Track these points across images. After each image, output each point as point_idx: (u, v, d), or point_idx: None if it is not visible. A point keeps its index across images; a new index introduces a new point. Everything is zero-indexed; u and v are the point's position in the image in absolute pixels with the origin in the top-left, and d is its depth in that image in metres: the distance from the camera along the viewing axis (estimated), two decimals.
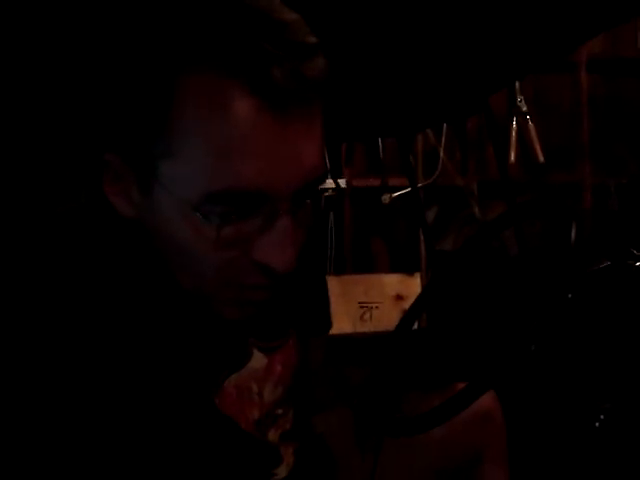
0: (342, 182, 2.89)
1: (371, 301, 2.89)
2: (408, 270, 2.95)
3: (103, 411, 0.69)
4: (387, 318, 2.89)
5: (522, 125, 2.99)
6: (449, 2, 1.06)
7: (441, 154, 2.97)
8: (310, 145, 0.68)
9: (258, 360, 0.88)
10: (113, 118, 0.70)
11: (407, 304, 2.94)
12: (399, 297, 2.92)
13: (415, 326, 1.22)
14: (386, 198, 2.97)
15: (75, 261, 0.72)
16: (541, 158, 3.01)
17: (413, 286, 2.94)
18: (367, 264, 3.09)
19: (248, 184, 0.66)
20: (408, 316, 1.18)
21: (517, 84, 2.94)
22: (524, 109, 2.98)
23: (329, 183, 2.67)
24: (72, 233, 0.74)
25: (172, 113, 0.65)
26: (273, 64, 0.64)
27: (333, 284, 2.86)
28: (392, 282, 2.92)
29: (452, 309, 1.26)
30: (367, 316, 2.88)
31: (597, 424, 0.96)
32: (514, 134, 2.99)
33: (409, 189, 2.79)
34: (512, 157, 2.99)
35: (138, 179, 0.71)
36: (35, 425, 0.66)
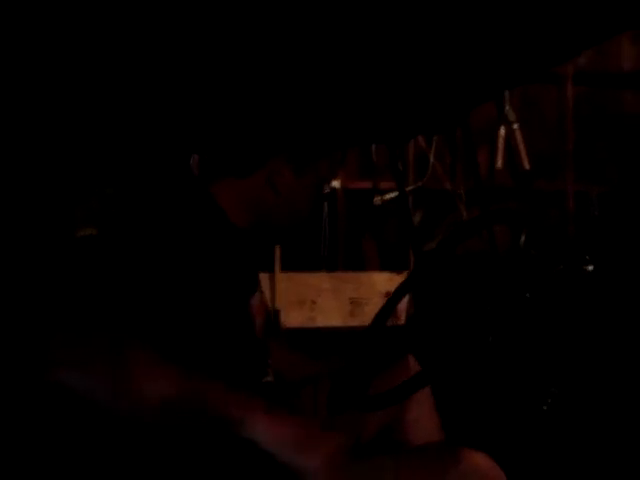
0: (336, 184, 3.02)
1: (361, 297, 3.01)
2: (397, 269, 3.08)
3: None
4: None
5: (509, 132, 3.12)
6: (441, 17, 1.14)
7: (431, 159, 3.10)
8: None
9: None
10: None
11: None
12: (388, 294, 3.02)
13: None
14: (377, 200, 3.10)
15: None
16: (526, 165, 3.14)
17: None
18: (358, 263, 3.21)
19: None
20: (381, 314, 1.32)
21: (506, 93, 3.06)
22: (511, 117, 3.10)
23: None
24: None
25: None
26: None
27: (325, 280, 2.99)
28: (382, 280, 3.04)
29: (424, 303, 1.39)
30: (357, 311, 3.00)
31: (544, 407, 1.10)
32: (501, 141, 3.12)
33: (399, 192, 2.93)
34: (499, 163, 3.12)
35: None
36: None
